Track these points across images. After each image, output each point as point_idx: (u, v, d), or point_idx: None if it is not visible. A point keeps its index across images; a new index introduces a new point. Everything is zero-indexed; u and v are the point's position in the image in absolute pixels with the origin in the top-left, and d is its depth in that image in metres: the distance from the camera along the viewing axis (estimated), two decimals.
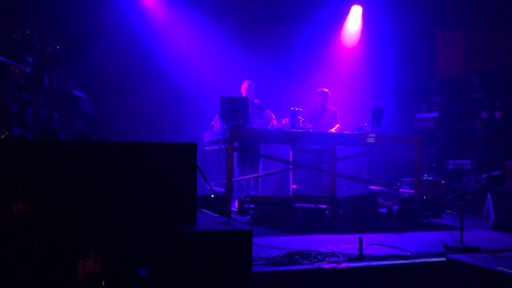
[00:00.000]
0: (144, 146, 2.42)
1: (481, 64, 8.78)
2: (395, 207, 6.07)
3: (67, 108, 6.97)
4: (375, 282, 3.30)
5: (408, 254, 3.63)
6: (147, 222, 2.36)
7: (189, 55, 8.13)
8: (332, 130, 6.86)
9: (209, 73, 8.14)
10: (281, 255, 3.38)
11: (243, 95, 7.00)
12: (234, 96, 6.10)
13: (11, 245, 2.11)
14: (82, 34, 7.40)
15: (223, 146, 5.37)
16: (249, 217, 5.39)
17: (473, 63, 8.99)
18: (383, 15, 8.95)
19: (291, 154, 7.23)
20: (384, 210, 6.14)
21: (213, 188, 3.98)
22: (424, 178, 7.12)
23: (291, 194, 6.83)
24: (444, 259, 3.37)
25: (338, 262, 3.32)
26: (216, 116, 6.33)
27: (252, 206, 5.30)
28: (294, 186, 7.21)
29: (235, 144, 5.70)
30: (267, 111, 7.06)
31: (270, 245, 3.76)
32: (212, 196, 4.92)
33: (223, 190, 5.49)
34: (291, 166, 7.20)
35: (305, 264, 3.26)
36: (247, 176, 6.85)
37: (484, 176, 5.28)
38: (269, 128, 6.10)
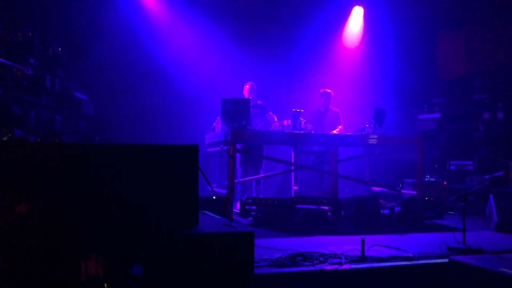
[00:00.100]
0: (146, 148, 2.42)
1: (483, 64, 8.76)
2: (397, 208, 6.07)
3: (69, 110, 6.97)
4: (377, 283, 3.29)
5: (411, 255, 3.62)
6: (148, 224, 2.36)
7: (191, 56, 8.14)
8: (335, 131, 6.85)
9: (210, 74, 8.15)
10: (283, 256, 3.37)
11: (246, 96, 6.99)
12: (235, 98, 6.10)
13: (13, 247, 2.11)
14: (83, 35, 7.41)
15: (225, 147, 5.37)
16: (251, 218, 5.39)
17: (474, 64, 8.97)
18: (384, 16, 8.96)
19: (292, 155, 7.23)
20: (386, 211, 6.13)
21: (215, 189, 3.97)
22: (426, 179, 7.11)
23: (293, 196, 6.83)
24: (446, 260, 3.37)
25: (340, 263, 3.32)
26: (218, 118, 6.32)
27: (254, 207, 5.30)
28: (296, 188, 7.20)
29: (238, 146, 5.68)
30: (270, 113, 7.05)
31: (272, 247, 3.76)
32: (214, 197, 4.91)
33: (225, 191, 5.48)
34: (293, 168, 7.20)
35: (307, 265, 3.25)
36: (249, 178, 6.84)
37: (486, 177, 5.28)
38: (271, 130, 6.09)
